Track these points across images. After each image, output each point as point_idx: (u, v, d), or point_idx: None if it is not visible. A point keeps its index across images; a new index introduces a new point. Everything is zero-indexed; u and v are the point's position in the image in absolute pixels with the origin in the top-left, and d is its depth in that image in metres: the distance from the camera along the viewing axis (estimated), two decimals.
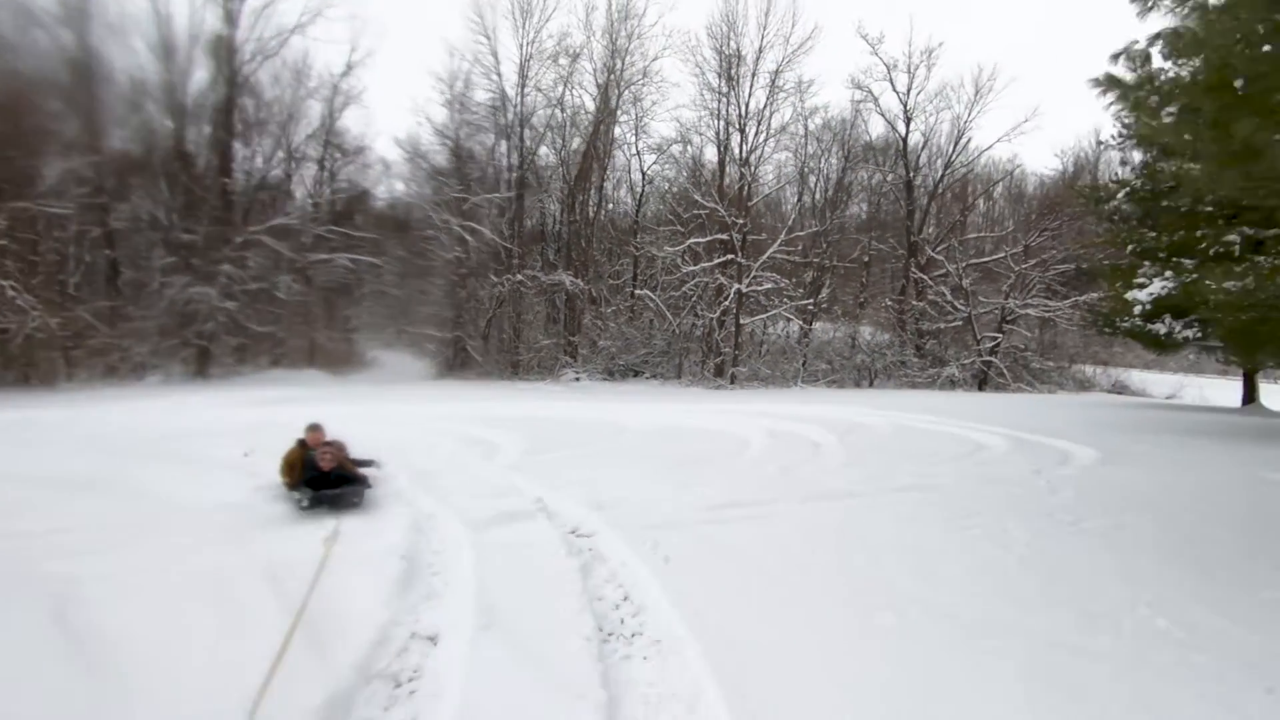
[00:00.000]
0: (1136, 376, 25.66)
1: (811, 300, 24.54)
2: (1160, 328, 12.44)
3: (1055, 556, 4.08)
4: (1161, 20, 4.07)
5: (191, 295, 18.37)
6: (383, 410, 11.54)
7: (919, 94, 26.30)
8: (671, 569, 3.64)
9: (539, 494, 5.32)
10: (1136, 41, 3.95)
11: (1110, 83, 4.12)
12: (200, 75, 20.34)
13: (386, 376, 23.21)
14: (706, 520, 4.74)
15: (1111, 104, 4.46)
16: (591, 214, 26.00)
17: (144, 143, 20.04)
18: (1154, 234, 12.34)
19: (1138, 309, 10.84)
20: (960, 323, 25.04)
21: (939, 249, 26.03)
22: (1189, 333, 12.57)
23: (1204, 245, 10.79)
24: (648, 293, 25.04)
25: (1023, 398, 19.15)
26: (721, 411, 12.40)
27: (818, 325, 25.99)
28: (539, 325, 25.90)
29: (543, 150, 25.37)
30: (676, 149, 26.13)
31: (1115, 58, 4.19)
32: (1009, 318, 24.71)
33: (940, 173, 27.39)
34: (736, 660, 2.66)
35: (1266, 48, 3.13)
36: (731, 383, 22.27)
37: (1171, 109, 4.35)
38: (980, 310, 25.01)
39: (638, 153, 26.53)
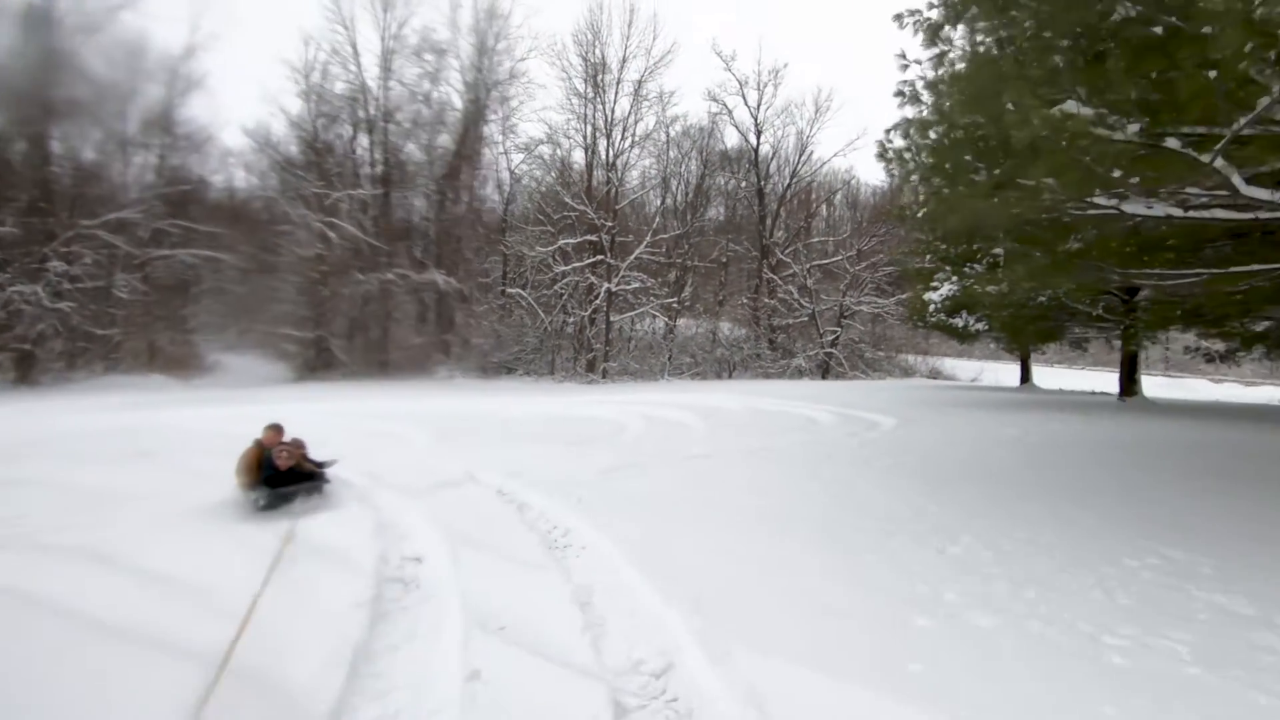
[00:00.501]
0: (949, 364, 30.43)
1: (676, 298, 26.71)
2: (959, 321, 15.60)
3: (847, 482, 5.88)
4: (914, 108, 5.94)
5: (11, 295, 16.72)
6: (258, 412, 11.65)
7: (768, 109, 29.41)
8: (583, 507, 4.94)
9: (462, 468, 6.38)
10: (893, 129, 5.74)
11: (883, 151, 5.95)
12: (10, 50, 18.39)
13: (239, 380, 22.15)
14: (602, 478, 6.08)
15: (890, 165, 6.33)
16: (461, 212, 26.43)
17: None
18: (944, 245, 15.42)
19: (932, 307, 13.63)
20: (806, 318, 28.44)
21: (787, 251, 29.27)
22: (980, 325, 15.88)
23: (979, 257, 13.82)
24: (519, 291, 25.98)
25: (856, 383, 22.39)
26: (599, 402, 13.81)
27: (681, 322, 28.26)
28: (409, 324, 25.92)
29: (410, 147, 25.39)
30: (545, 150, 27.23)
31: (888, 132, 6.01)
32: (846, 314, 28.42)
33: (787, 181, 30.75)
34: (637, 549, 4.03)
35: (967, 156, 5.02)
36: (603, 377, 23.77)
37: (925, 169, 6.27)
38: (822, 307, 28.55)
39: (505, 151, 27.33)
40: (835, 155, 38.99)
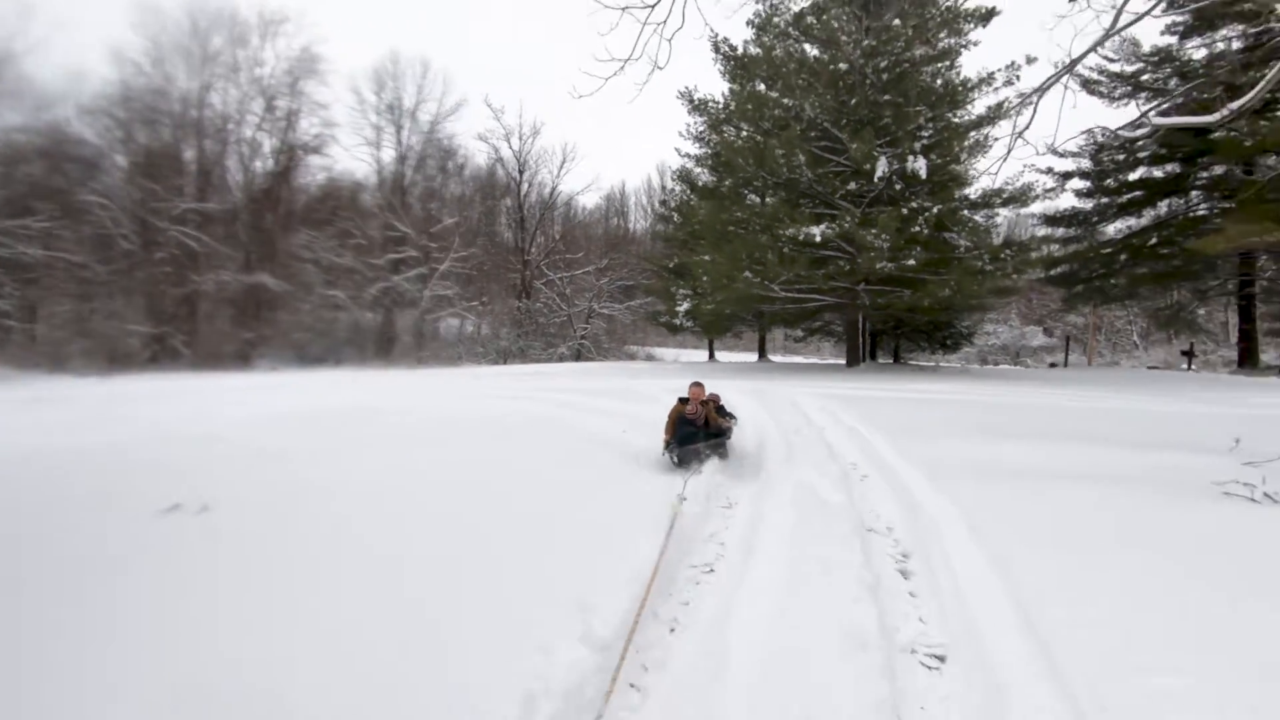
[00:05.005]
0: (660, 351, 44.58)
1: (477, 301, 35.53)
2: (676, 321, 28.42)
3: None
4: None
5: None
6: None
7: (528, 154, 39.85)
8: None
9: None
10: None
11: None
12: None
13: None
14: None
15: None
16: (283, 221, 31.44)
17: None
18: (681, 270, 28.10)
19: (680, 311, 25.90)
20: (565, 318, 39.67)
21: (546, 266, 40.09)
22: (689, 322, 28.93)
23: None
24: (340, 292, 32.17)
25: (596, 364, 34.31)
26: (477, 387, 22.89)
27: (476, 319, 37.13)
28: (234, 320, 30.11)
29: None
30: (368, 169, 33.82)
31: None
32: (591, 315, 40.40)
33: (542, 210, 41.59)
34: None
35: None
36: (419, 364, 31.70)
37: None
38: (575, 309, 40.08)
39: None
40: (578, 194, 51.58)
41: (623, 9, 5.30)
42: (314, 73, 31.21)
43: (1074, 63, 5.58)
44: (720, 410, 6.55)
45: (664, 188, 43.18)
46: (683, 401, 6.21)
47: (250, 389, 13.98)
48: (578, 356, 39.14)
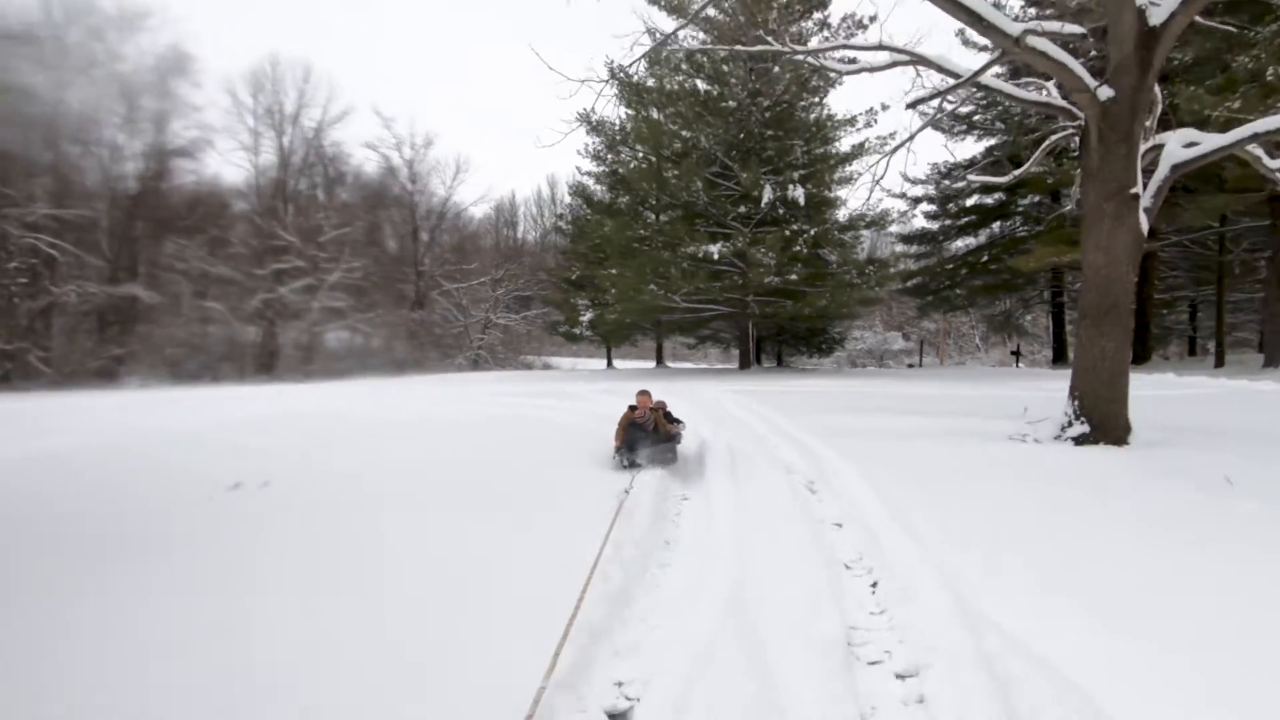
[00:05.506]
0: (557, 360, 45.66)
1: (371, 313, 35.14)
2: (576, 330, 29.81)
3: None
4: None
5: None
6: None
7: (421, 164, 39.93)
8: None
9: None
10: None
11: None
12: None
13: None
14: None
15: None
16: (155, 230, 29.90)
17: None
18: (583, 282, 29.50)
19: (584, 320, 27.31)
20: (461, 329, 39.94)
21: (443, 275, 40.24)
22: (589, 332, 30.39)
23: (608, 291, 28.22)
24: (217, 304, 31.00)
25: (489, 373, 35.10)
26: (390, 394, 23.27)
27: (369, 331, 36.62)
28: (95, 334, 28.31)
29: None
30: (247, 175, 32.61)
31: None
32: (488, 325, 40.92)
33: (435, 221, 41.68)
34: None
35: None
36: (308, 378, 31.18)
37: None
38: (471, 320, 40.46)
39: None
40: (471, 204, 51.51)
41: (581, 81, 6.79)
42: (183, 72, 29.95)
43: (914, 133, 7.67)
44: (668, 416, 6.90)
45: (555, 199, 44.59)
46: (632, 408, 6.59)
47: (118, 408, 12.91)
48: (475, 366, 39.58)
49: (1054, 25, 6.14)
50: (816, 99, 19.59)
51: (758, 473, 5.53)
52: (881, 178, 8.39)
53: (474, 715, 2.15)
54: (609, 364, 36.28)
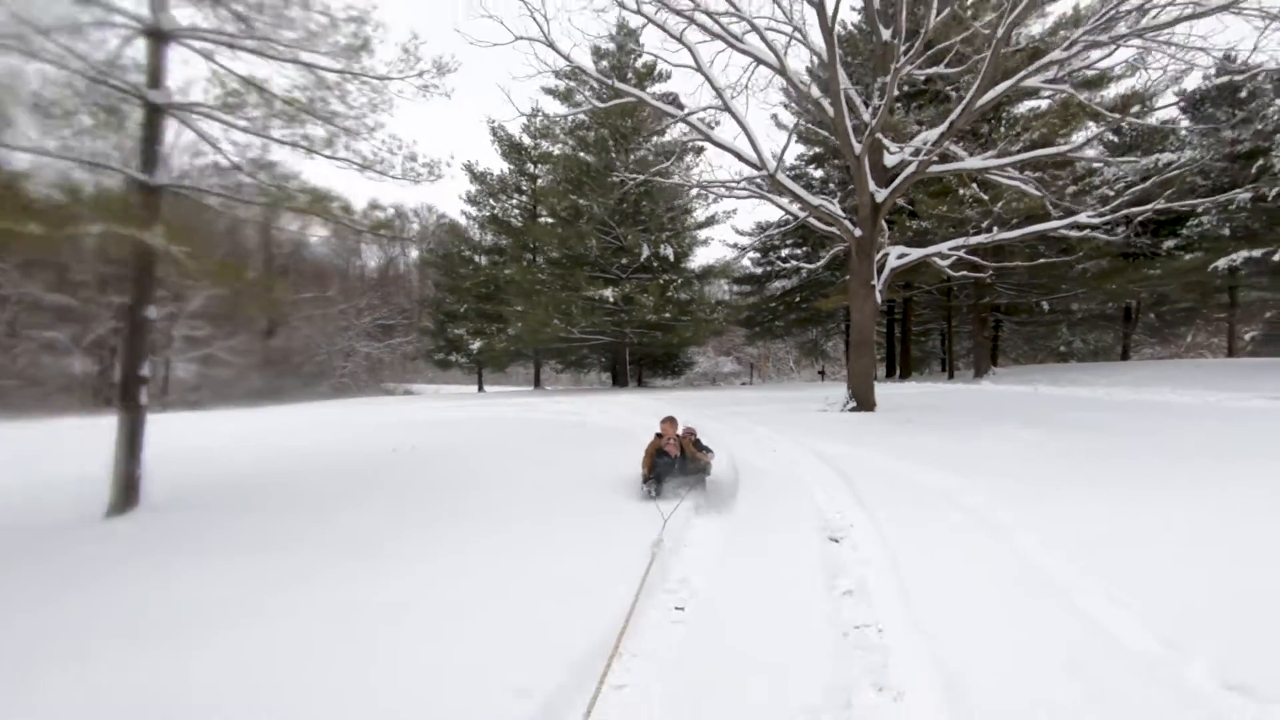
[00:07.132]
0: (419, 386, 47.74)
1: (233, 341, 35.64)
2: (452, 358, 33.26)
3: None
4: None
5: None
6: None
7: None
8: None
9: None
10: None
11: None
12: None
13: None
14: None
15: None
16: None
17: None
18: (458, 315, 32.95)
19: (474, 349, 30.83)
20: (325, 356, 41.20)
21: (309, 303, 41.26)
22: (463, 359, 33.88)
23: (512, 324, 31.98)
24: (55, 335, 30.60)
25: (353, 401, 37.27)
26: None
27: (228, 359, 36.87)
28: None
29: None
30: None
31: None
32: (351, 354, 42.49)
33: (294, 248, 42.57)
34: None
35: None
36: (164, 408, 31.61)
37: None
38: (335, 348, 41.85)
39: None
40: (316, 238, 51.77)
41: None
42: None
43: (764, 234, 13.34)
44: (698, 444, 6.79)
45: (427, 231, 47.07)
46: (658, 436, 6.57)
47: None
48: (340, 392, 40.95)
49: (831, 205, 11.99)
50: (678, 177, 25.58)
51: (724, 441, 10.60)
52: (739, 259, 14.04)
53: None
54: (480, 388, 39.69)
